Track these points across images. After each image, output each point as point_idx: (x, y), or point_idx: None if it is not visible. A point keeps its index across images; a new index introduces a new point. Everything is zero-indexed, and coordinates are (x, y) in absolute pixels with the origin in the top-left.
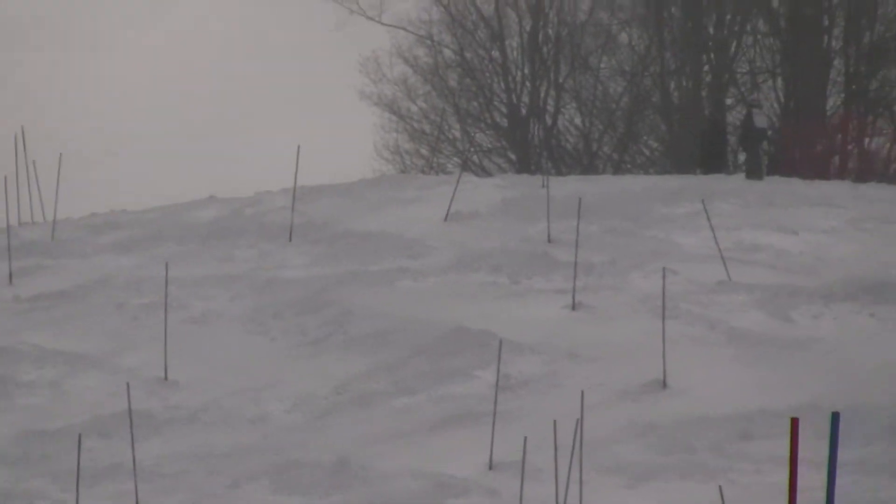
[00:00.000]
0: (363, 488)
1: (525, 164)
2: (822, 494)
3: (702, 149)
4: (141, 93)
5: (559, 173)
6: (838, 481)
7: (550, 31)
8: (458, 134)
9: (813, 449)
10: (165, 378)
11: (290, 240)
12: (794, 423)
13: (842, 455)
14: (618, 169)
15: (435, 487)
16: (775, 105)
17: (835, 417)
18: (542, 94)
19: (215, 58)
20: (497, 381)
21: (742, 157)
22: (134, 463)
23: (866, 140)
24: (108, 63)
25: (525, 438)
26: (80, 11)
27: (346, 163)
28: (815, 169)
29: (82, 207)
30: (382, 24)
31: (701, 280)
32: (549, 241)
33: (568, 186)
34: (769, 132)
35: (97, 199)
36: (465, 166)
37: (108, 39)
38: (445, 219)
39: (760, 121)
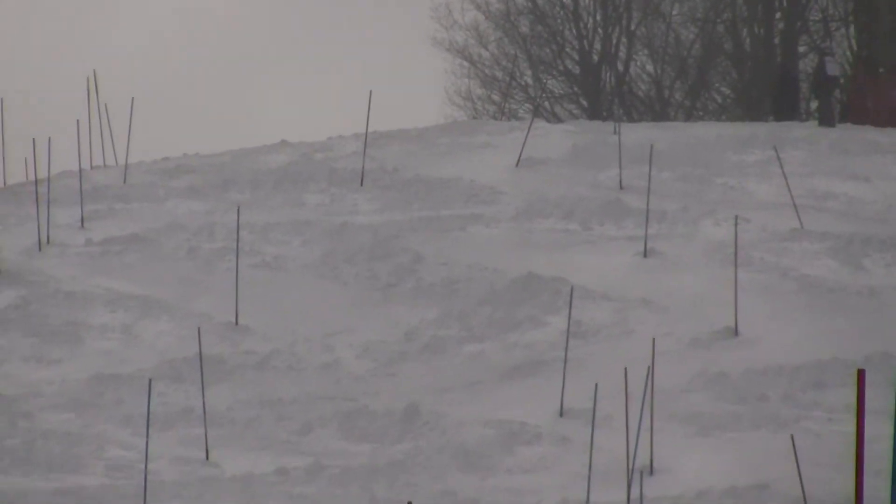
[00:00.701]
0: (434, 435)
1: (596, 111)
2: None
3: (775, 96)
4: (209, 35)
5: (630, 120)
6: None
7: None
8: (529, 80)
9: (886, 398)
10: (236, 323)
11: (362, 185)
12: (861, 374)
13: None
14: (689, 116)
15: (506, 434)
16: (848, 53)
17: None
18: (614, 42)
19: (285, 2)
20: (568, 327)
21: (814, 104)
22: (204, 408)
23: None
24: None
25: (596, 385)
26: None
27: (418, 109)
28: (888, 117)
29: (154, 151)
30: None
31: (773, 228)
32: (621, 187)
33: (639, 133)
34: (841, 80)
35: (169, 142)
36: (537, 112)
37: None
38: (517, 165)
39: (833, 68)
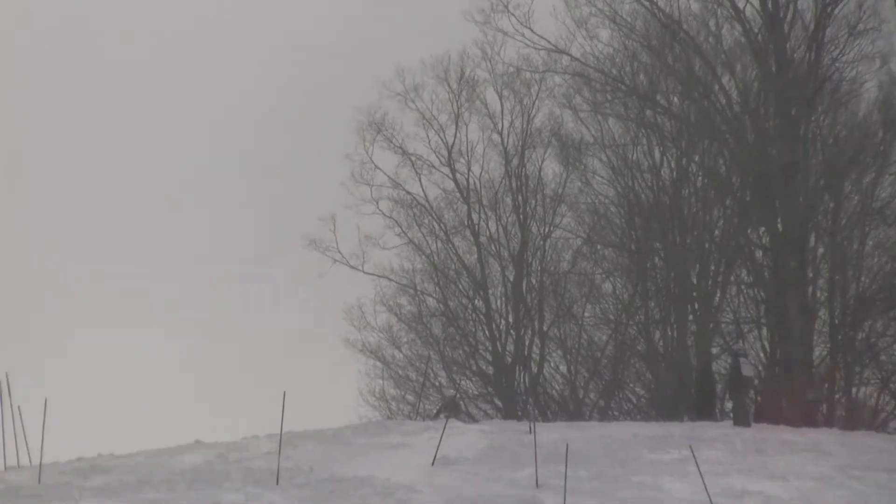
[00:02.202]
0: None
1: (511, 411)
2: None
3: (696, 397)
4: (126, 341)
5: (545, 420)
6: None
7: (534, 280)
8: (443, 381)
9: None
10: None
11: (277, 483)
12: None
13: None
14: (604, 416)
15: None
16: (761, 354)
17: None
18: (527, 342)
19: (201, 309)
20: None
21: (728, 405)
22: None
23: (853, 389)
24: (91, 305)
25: None
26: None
27: (332, 409)
28: (803, 417)
29: (69, 451)
30: (365, 272)
31: None
32: (537, 486)
33: (554, 433)
34: (755, 381)
35: (84, 443)
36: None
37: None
38: (433, 464)
39: (747, 369)
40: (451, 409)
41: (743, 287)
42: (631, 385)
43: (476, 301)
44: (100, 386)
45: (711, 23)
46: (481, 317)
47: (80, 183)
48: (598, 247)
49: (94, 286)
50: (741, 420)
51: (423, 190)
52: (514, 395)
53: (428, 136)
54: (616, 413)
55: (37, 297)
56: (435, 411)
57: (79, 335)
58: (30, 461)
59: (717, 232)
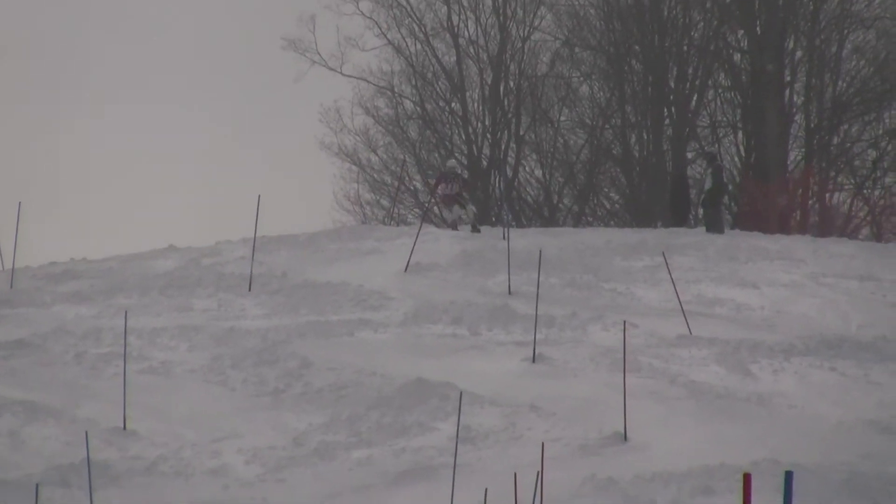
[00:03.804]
0: None
1: (485, 216)
2: None
3: (671, 203)
4: (101, 140)
5: (519, 225)
6: None
7: (511, 84)
8: (419, 185)
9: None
10: (124, 428)
11: (250, 289)
12: (747, 478)
13: None
14: (578, 221)
15: None
16: (736, 159)
17: (788, 476)
18: (503, 147)
19: (176, 107)
20: (457, 432)
21: (702, 210)
22: None
23: (827, 195)
24: (67, 109)
25: (486, 491)
26: (43, 57)
27: (307, 213)
28: (776, 223)
29: (41, 256)
30: (343, 74)
31: (661, 334)
32: (510, 293)
33: (528, 239)
34: (730, 186)
35: (56, 247)
36: (426, 218)
37: (67, 85)
38: (405, 270)
39: (723, 175)
40: (449, 179)
41: (720, 91)
42: (606, 190)
43: (453, 104)
44: (74, 188)
45: None
46: (458, 120)
47: None
48: (577, 49)
49: (80, 80)
50: (714, 226)
51: None
52: (489, 200)
53: None
54: (590, 219)
55: (13, 98)
56: (434, 182)
57: (55, 131)
58: (2, 266)
59: (695, 34)
